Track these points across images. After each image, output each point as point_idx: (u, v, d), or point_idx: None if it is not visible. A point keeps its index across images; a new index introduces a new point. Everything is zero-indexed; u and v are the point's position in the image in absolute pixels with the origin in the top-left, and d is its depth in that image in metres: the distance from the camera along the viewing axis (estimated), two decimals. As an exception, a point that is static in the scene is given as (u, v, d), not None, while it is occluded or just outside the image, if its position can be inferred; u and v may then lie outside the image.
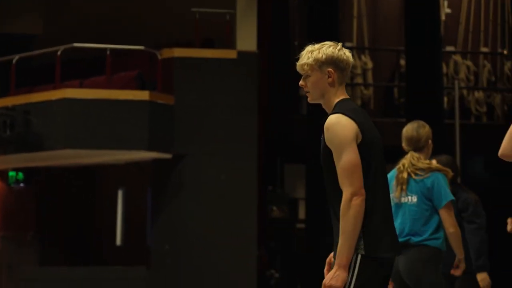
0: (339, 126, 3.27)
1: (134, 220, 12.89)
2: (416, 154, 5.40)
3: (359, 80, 14.51)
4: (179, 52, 11.40)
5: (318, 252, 11.38)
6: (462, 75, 14.78)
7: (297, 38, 14.54)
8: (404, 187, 5.39)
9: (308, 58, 3.44)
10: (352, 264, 3.25)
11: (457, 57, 14.82)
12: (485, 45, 15.16)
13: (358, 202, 3.19)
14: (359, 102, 13.67)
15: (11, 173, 13.70)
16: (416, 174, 5.36)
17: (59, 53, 11.00)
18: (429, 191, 5.32)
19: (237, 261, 11.11)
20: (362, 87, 13.82)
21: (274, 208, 13.26)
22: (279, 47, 13.78)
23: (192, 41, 11.92)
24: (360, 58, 14.48)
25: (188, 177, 11.23)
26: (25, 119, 10.85)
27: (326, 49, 3.45)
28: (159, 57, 11.13)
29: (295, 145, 13.58)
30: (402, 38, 13.10)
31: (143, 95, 10.92)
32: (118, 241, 12.76)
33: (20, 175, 13.81)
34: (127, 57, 12.53)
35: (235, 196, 11.22)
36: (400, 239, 5.06)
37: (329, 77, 3.41)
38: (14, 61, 11.69)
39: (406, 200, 5.42)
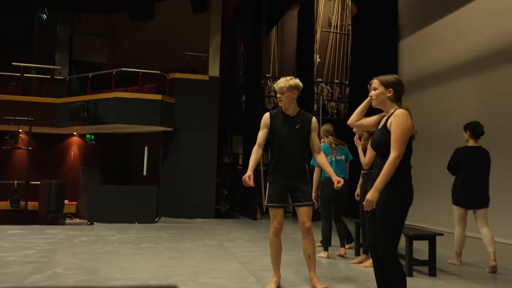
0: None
1: (153, 162, 14.16)
2: (333, 137, 6.76)
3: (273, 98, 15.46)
4: (178, 75, 12.87)
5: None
6: (325, 93, 16.73)
7: (240, 69, 15.96)
8: (335, 151, 6.55)
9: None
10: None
11: (323, 84, 16.93)
12: (337, 78, 17.37)
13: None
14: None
15: (88, 136, 15.31)
16: (339, 145, 6.70)
17: (114, 72, 12.81)
18: (346, 154, 6.72)
19: (205, 185, 12.64)
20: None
21: (226, 158, 14.22)
22: (230, 75, 14.79)
23: (185, 69, 13.42)
24: (273, 83, 15.26)
25: (181, 141, 12.54)
26: (94, 107, 12.23)
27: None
28: (168, 77, 12.79)
29: (238, 126, 15.11)
30: (295, 73, 14.45)
31: (158, 97, 12.38)
32: (144, 172, 14.29)
33: (92, 137, 15.26)
34: (150, 76, 13.56)
35: (206, 151, 12.61)
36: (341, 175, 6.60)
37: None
38: (89, 76, 13.49)
39: (340, 158, 6.66)
